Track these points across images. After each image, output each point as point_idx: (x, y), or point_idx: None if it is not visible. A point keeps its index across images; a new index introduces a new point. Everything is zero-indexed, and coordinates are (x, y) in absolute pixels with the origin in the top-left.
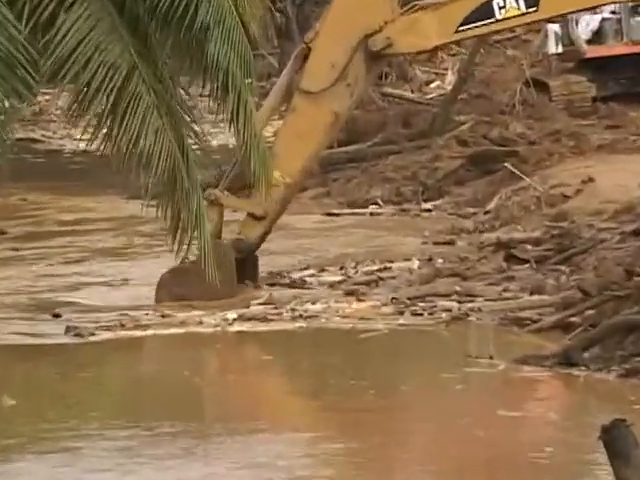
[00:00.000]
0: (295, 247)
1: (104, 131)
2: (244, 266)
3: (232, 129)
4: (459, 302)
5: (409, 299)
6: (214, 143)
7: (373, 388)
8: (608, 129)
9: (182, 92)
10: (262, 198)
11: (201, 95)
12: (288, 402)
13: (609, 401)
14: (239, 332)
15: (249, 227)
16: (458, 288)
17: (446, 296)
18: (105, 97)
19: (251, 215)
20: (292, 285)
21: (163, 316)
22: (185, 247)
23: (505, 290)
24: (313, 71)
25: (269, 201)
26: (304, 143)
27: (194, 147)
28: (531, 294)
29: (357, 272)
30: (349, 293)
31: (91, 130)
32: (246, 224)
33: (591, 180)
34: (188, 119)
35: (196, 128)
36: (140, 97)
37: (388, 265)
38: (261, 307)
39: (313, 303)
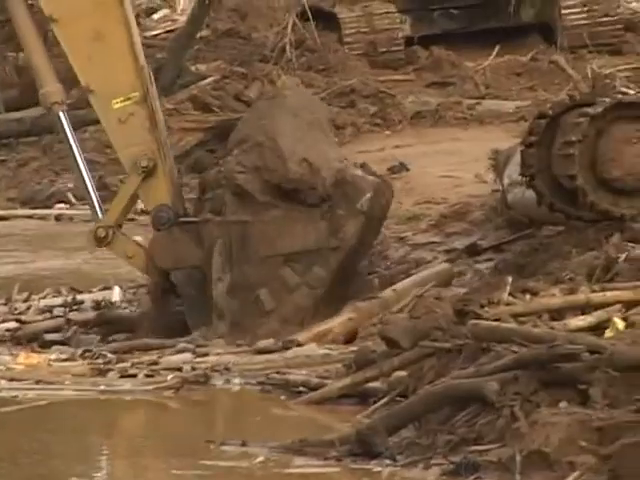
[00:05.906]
0: None
1: None
2: None
3: None
4: (194, 354)
5: (115, 352)
6: None
7: None
8: (431, 88)
9: None
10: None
11: None
12: None
13: None
14: None
15: (152, 191)
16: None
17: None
18: None
19: (142, 181)
20: None
21: None
22: None
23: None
24: None
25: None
26: (110, 41)
27: None
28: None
29: (30, 308)
30: (19, 341)
31: None
32: (147, 191)
33: (403, 168)
34: None
35: None
36: None
37: (79, 298)
38: None
39: None
